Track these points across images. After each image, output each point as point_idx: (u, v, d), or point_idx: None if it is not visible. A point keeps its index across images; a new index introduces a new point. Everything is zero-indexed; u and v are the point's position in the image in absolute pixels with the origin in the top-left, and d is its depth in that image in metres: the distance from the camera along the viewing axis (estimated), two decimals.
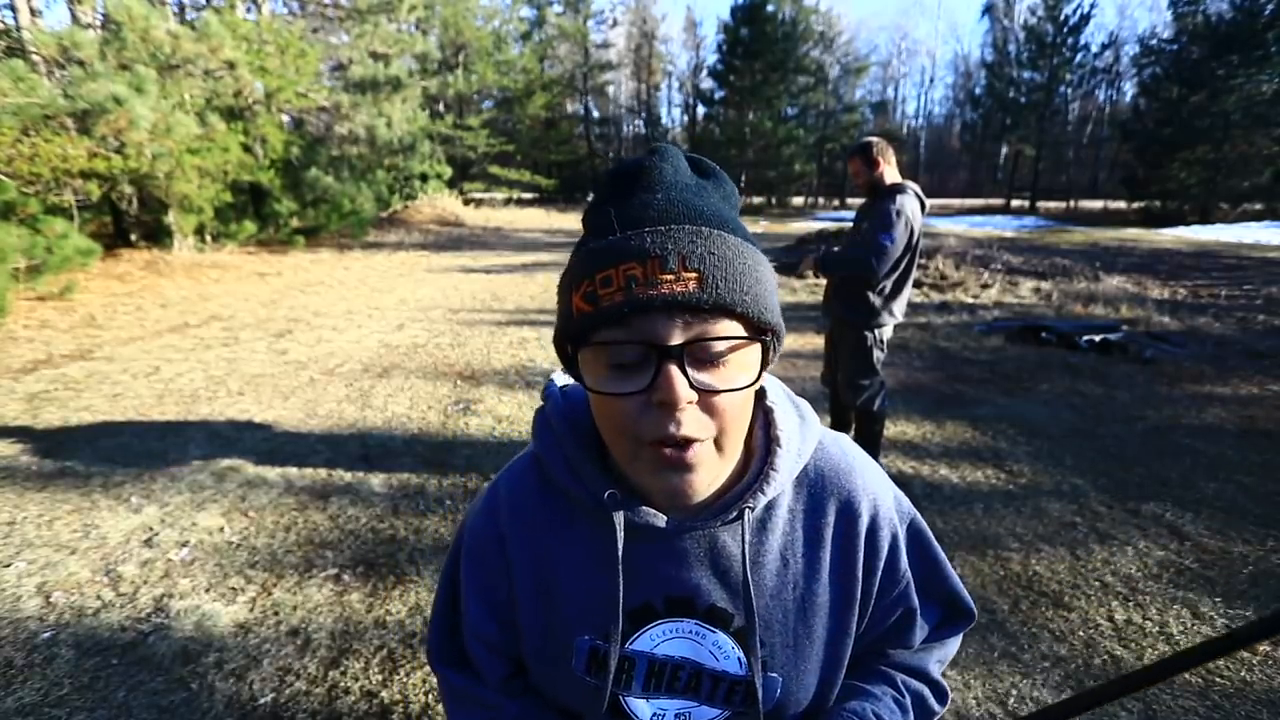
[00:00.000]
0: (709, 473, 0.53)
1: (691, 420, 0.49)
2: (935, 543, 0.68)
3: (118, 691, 1.76)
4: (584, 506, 0.60)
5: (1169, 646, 1.95)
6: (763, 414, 0.62)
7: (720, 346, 0.49)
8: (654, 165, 0.53)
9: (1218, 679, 1.82)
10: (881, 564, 0.63)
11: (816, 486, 0.63)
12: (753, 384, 0.51)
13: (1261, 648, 1.93)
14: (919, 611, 0.67)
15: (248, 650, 1.92)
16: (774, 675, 0.61)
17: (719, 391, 0.50)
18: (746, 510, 0.58)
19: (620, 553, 0.57)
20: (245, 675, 1.83)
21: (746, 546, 0.58)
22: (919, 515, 0.68)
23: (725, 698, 0.63)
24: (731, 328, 0.49)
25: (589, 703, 0.62)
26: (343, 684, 1.80)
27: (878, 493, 0.65)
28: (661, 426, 0.49)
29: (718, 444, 0.52)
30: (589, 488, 0.58)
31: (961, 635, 0.73)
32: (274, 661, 1.88)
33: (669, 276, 0.47)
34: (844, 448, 0.66)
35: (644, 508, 0.57)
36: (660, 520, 0.57)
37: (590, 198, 0.56)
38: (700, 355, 0.49)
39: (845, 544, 0.63)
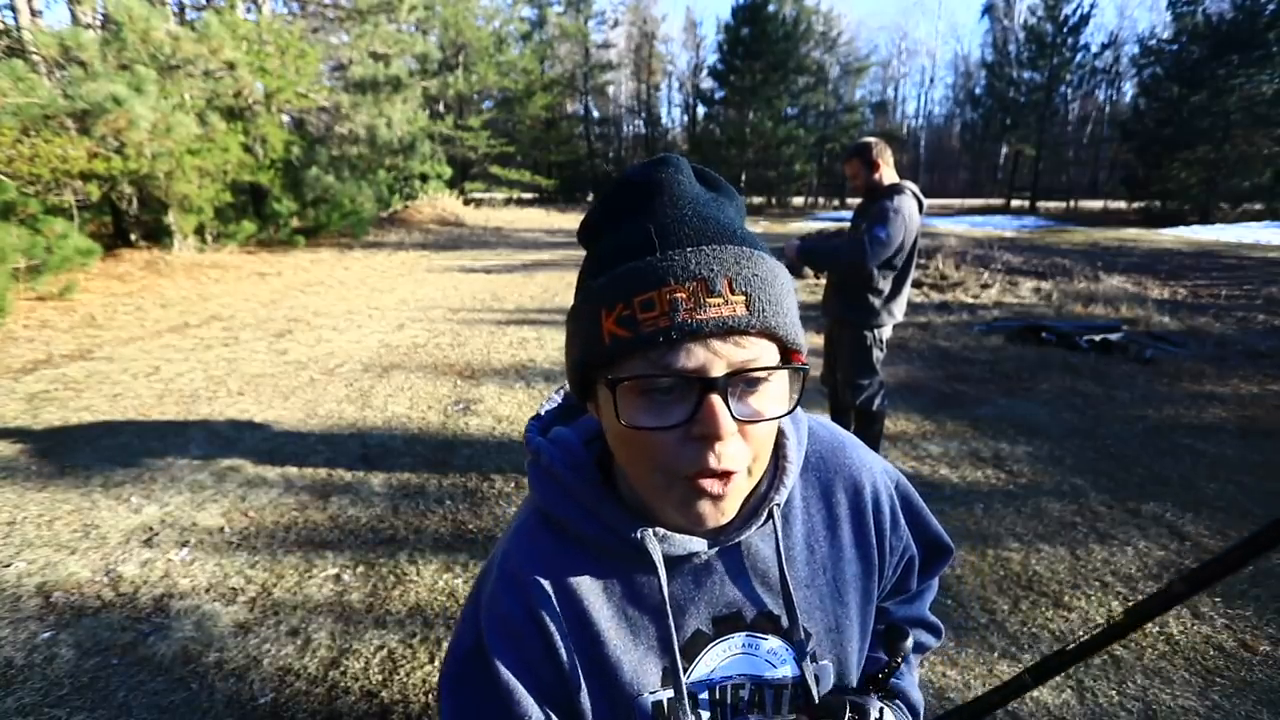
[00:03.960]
0: (739, 499, 0.52)
1: (731, 452, 0.48)
2: (916, 494, 0.73)
3: (118, 691, 1.76)
4: (611, 552, 0.57)
5: (1169, 646, 1.95)
6: None
7: (761, 375, 0.48)
8: (670, 178, 0.50)
9: (1218, 679, 1.82)
10: (888, 527, 0.66)
11: (820, 470, 0.64)
12: (789, 411, 0.50)
13: (1262, 647, 1.93)
14: (916, 558, 0.72)
15: (248, 650, 1.92)
16: (824, 663, 0.62)
17: (760, 421, 0.48)
18: (775, 509, 0.58)
19: (665, 591, 0.55)
20: (245, 675, 1.83)
21: (780, 545, 0.58)
22: (899, 473, 0.72)
23: (792, 705, 0.62)
24: (772, 353, 0.49)
25: None
26: (343, 684, 1.80)
27: (871, 462, 0.68)
28: (701, 460, 0.47)
29: (750, 470, 0.51)
30: (616, 530, 0.55)
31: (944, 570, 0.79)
32: (274, 661, 1.88)
33: (717, 300, 0.45)
34: (829, 428, 0.69)
35: (677, 536, 0.56)
36: (697, 544, 0.56)
37: (595, 209, 0.54)
38: (742, 384, 0.48)
39: (858, 518, 0.64)
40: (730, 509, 0.51)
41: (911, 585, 0.74)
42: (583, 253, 0.55)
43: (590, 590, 0.57)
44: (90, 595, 2.16)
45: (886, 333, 2.86)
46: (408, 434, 3.57)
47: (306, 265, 9.95)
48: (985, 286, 8.04)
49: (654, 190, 0.50)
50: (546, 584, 0.57)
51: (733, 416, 0.46)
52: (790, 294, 0.50)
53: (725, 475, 0.48)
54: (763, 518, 0.58)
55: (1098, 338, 5.30)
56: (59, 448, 3.29)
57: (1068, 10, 27.83)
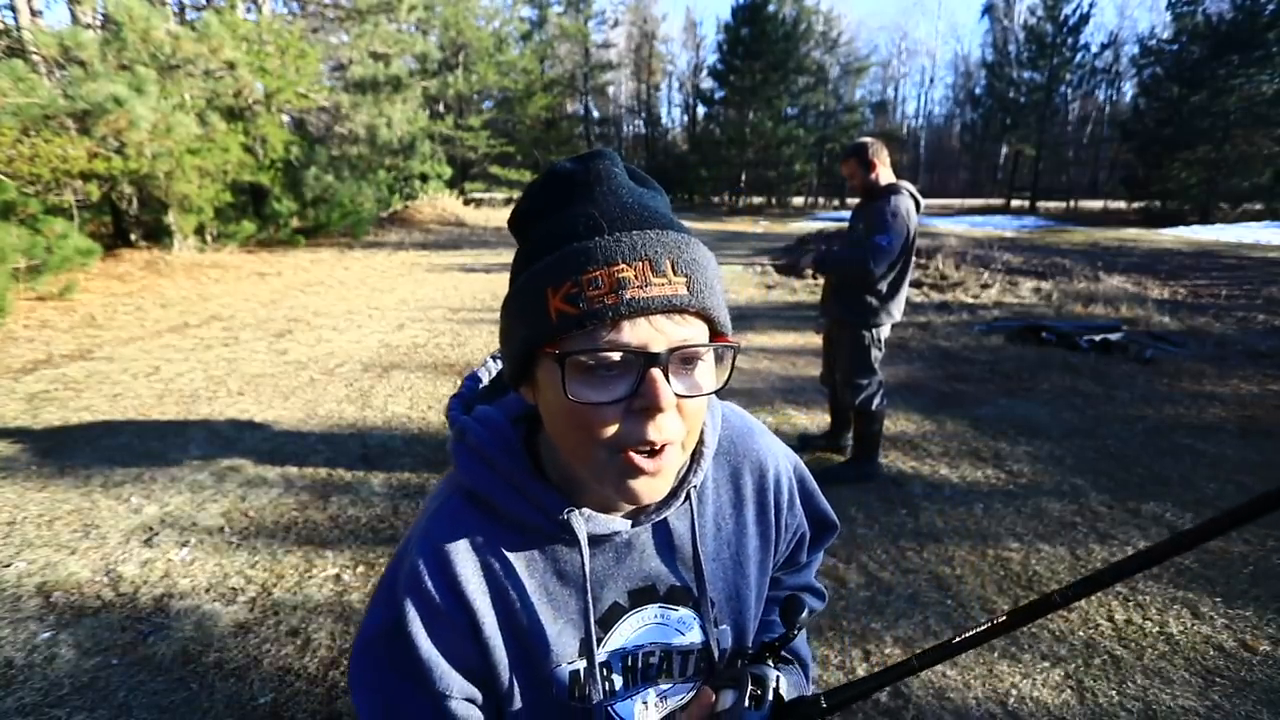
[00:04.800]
0: (674, 473, 0.55)
1: (669, 424, 0.50)
2: (810, 476, 0.79)
3: (118, 691, 1.76)
4: (536, 530, 0.59)
5: (1169, 646, 1.95)
6: None
7: (698, 352, 0.50)
8: (607, 169, 0.52)
9: (1218, 679, 1.82)
10: (785, 507, 0.73)
11: (730, 454, 0.69)
12: (721, 387, 0.53)
13: (1262, 647, 1.93)
14: (808, 534, 0.80)
15: (248, 650, 1.92)
16: (724, 628, 0.68)
17: (693, 397, 0.51)
18: (691, 490, 0.62)
19: (587, 568, 0.58)
20: (245, 675, 1.83)
21: (695, 524, 0.63)
22: (799, 459, 0.79)
23: (696, 669, 0.67)
24: (705, 332, 0.51)
25: None
26: (343, 684, 1.80)
27: (775, 448, 0.73)
28: (640, 432, 0.49)
29: (682, 444, 0.54)
30: (543, 509, 0.57)
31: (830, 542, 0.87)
32: (274, 661, 1.88)
33: (661, 280, 0.47)
34: (739, 413, 0.74)
35: (601, 516, 0.58)
36: (620, 524, 0.59)
37: (528, 199, 0.55)
38: (680, 361, 0.50)
39: (761, 498, 0.70)
40: (664, 486, 0.54)
41: (802, 558, 0.82)
42: None
43: (514, 566, 0.59)
44: (90, 595, 2.16)
45: (885, 332, 2.86)
46: (408, 434, 3.57)
47: (306, 265, 9.95)
48: (985, 286, 8.04)
49: (593, 180, 0.51)
50: (471, 561, 0.58)
51: (672, 392, 0.49)
52: (720, 280, 0.53)
53: (660, 451, 0.51)
54: (681, 498, 0.62)
55: (1098, 338, 5.30)
56: (59, 448, 3.29)
57: (1068, 10, 27.84)
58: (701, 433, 0.63)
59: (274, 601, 2.15)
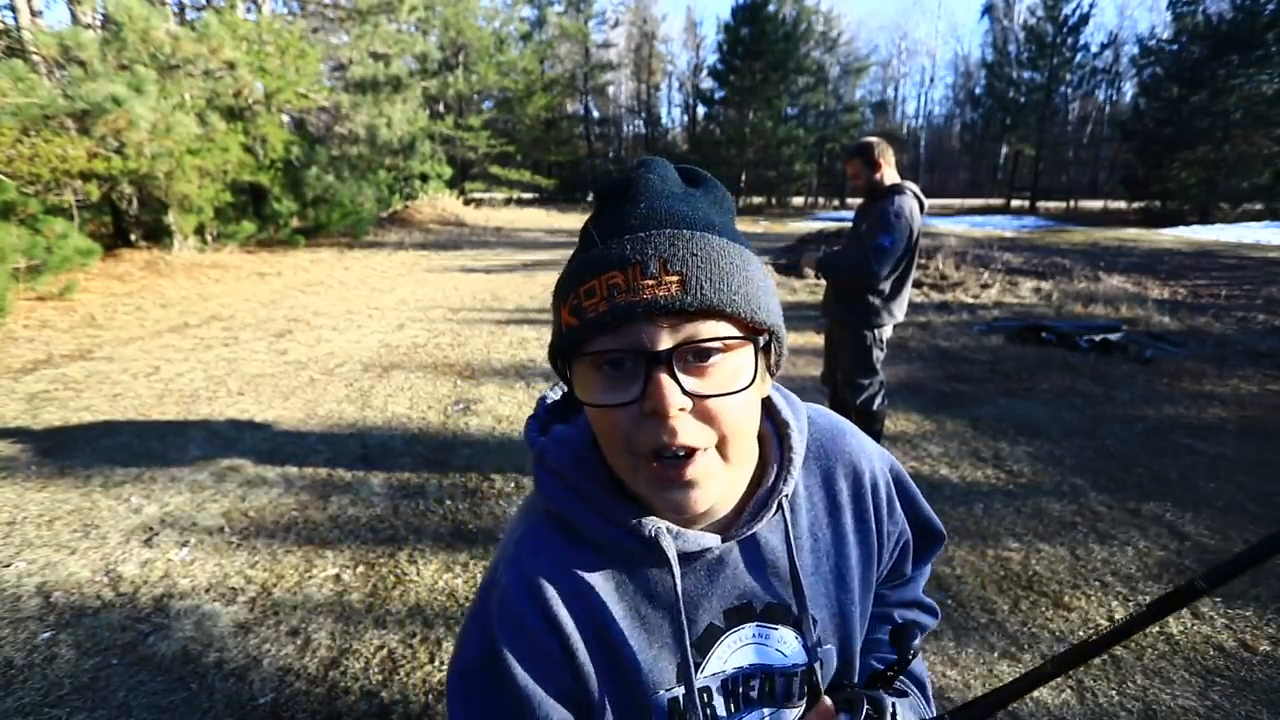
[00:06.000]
0: (715, 485, 0.52)
1: (688, 428, 0.48)
2: (910, 479, 0.73)
3: (118, 691, 1.76)
4: (623, 550, 0.57)
5: (1169, 646, 1.95)
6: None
7: (710, 348, 0.48)
8: (640, 177, 0.52)
9: (1218, 679, 1.82)
10: (885, 512, 0.67)
11: (821, 458, 0.65)
12: (748, 386, 0.50)
13: (1262, 647, 1.93)
14: (911, 543, 0.73)
15: (248, 650, 1.92)
16: (828, 648, 0.64)
17: (712, 396, 0.49)
18: (784, 500, 0.59)
19: (679, 589, 0.56)
20: (245, 675, 1.83)
21: (790, 536, 0.59)
22: (894, 458, 0.73)
23: (801, 692, 0.63)
24: (721, 328, 0.49)
25: None
26: (343, 684, 1.80)
27: (869, 449, 0.69)
28: (656, 436, 0.48)
29: (722, 452, 0.51)
30: (628, 528, 0.55)
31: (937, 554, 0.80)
32: (274, 661, 1.88)
33: (650, 281, 0.47)
34: (828, 415, 0.69)
35: (690, 532, 0.56)
36: (710, 540, 0.57)
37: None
38: (691, 359, 0.48)
39: (858, 505, 0.66)
40: (705, 496, 0.51)
41: (907, 570, 0.76)
42: None
43: (604, 590, 0.57)
44: (90, 595, 2.16)
45: (887, 333, 2.86)
46: (408, 434, 3.57)
47: (306, 265, 9.95)
48: (985, 286, 8.04)
49: (620, 192, 0.52)
50: (561, 585, 0.56)
51: (684, 391, 0.47)
52: (745, 272, 0.50)
53: (687, 455, 0.49)
54: (773, 509, 0.58)
55: (1098, 338, 5.30)
56: (59, 448, 3.29)
57: (1067, 10, 27.86)
58: (788, 438, 0.60)
59: (274, 601, 2.15)
